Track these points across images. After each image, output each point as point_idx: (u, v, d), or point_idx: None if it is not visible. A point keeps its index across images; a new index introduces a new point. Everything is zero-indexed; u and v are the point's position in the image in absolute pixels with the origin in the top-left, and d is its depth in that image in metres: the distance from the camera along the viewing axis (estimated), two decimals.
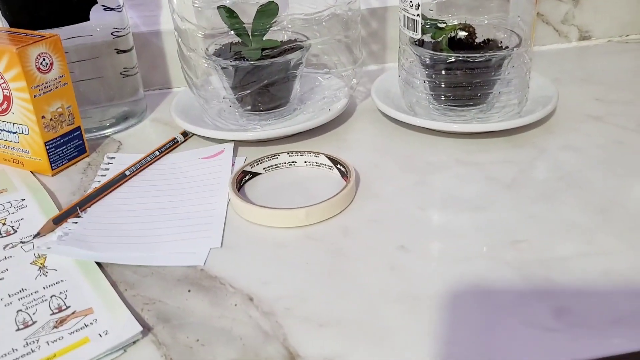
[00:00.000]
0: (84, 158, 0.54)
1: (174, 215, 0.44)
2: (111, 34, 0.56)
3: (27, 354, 0.32)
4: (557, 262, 0.37)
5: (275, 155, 0.50)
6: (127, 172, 0.49)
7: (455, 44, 0.52)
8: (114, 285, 0.37)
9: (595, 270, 0.36)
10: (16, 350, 0.33)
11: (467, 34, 0.52)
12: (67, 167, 0.52)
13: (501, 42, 0.53)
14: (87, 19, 0.53)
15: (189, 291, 0.37)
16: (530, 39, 0.52)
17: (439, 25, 0.51)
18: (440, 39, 0.52)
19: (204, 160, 0.52)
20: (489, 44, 0.53)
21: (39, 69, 0.48)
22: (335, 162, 0.49)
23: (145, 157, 0.51)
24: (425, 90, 0.54)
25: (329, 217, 0.43)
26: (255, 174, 0.49)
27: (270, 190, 0.47)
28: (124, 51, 0.58)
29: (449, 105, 0.53)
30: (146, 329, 0.34)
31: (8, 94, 0.48)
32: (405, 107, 0.56)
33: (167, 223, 0.44)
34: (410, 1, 0.50)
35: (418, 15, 0.50)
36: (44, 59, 0.48)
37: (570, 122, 0.55)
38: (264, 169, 0.49)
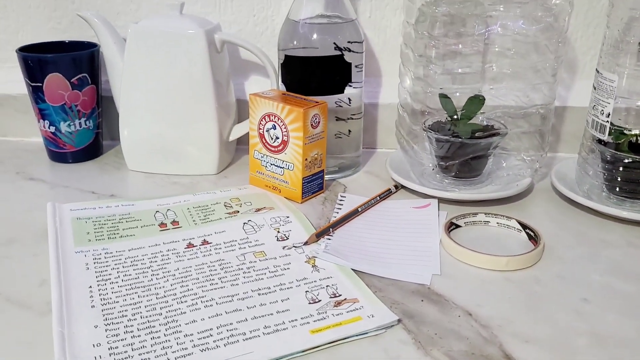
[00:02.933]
0: (321, 193, 0.70)
1: (399, 245, 0.59)
2: (335, 102, 0.73)
3: (321, 319, 0.47)
4: None
5: (474, 214, 0.63)
6: (359, 209, 0.65)
7: (634, 147, 0.64)
8: (367, 286, 0.52)
9: None
10: (312, 315, 0.48)
11: None
12: (310, 198, 0.69)
13: None
14: (342, 92, 0.71)
15: (422, 300, 0.51)
16: None
17: (624, 131, 0.64)
18: (622, 141, 0.64)
19: (415, 209, 0.66)
20: None
21: (311, 124, 0.65)
22: (524, 226, 0.61)
23: (370, 200, 0.67)
24: (600, 180, 0.66)
25: (523, 267, 0.56)
26: (457, 226, 0.63)
27: (469, 239, 0.61)
28: (341, 119, 0.75)
29: (622, 196, 0.64)
30: (397, 320, 0.48)
31: (287, 139, 0.66)
32: (580, 191, 0.68)
33: (395, 250, 0.58)
34: (602, 110, 0.63)
35: (607, 121, 0.63)
36: (316, 118, 0.66)
37: None
38: (465, 223, 0.63)
